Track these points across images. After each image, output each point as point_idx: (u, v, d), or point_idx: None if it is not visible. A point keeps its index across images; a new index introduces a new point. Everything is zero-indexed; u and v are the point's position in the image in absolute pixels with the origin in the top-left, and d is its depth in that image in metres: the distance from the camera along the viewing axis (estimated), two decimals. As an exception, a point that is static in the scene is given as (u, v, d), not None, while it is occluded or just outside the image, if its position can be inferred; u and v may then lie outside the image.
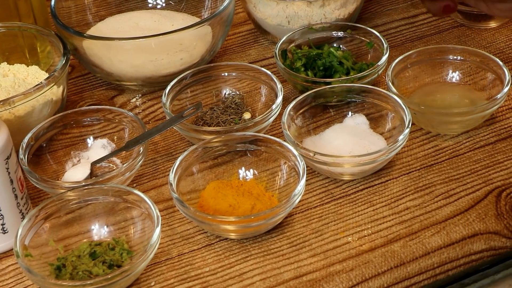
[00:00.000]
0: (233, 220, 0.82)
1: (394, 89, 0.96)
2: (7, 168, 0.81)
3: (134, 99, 1.07)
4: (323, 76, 1.02)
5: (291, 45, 1.07)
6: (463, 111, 0.95)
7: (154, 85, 1.07)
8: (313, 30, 1.08)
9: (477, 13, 1.13)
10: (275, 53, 1.03)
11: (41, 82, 0.94)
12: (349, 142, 0.94)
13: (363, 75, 0.98)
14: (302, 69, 1.02)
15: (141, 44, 1.02)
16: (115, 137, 0.97)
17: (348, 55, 1.04)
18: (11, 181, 0.82)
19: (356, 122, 0.97)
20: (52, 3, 1.09)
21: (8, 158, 0.81)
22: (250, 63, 1.10)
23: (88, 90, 1.09)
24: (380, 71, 1.00)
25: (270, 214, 0.82)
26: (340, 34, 1.09)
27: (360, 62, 1.04)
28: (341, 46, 1.08)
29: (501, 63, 0.99)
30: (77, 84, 1.10)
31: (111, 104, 1.06)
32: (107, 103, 1.06)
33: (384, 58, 1.00)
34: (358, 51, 1.08)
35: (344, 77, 0.99)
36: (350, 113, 0.98)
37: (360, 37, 1.07)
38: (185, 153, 0.88)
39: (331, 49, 1.03)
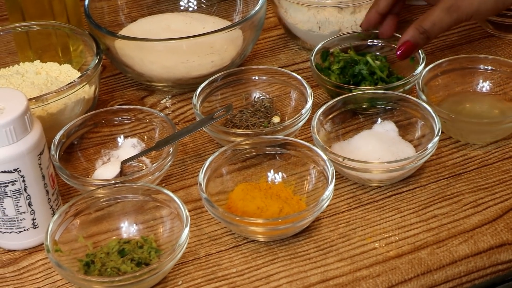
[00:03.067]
0: (261, 222, 0.82)
1: (424, 97, 0.96)
2: (40, 164, 0.82)
3: (164, 100, 1.08)
4: (352, 83, 1.02)
5: (336, 48, 1.07)
6: (493, 121, 0.95)
7: (184, 87, 1.08)
8: (361, 36, 1.08)
9: (508, 24, 1.13)
10: (312, 55, 1.03)
11: (74, 81, 0.95)
12: (378, 148, 0.94)
13: (388, 87, 0.98)
14: (338, 72, 1.02)
15: (172, 46, 1.02)
16: (145, 137, 0.97)
17: (385, 66, 1.03)
18: (43, 177, 0.83)
19: (385, 129, 0.97)
20: (86, 3, 1.10)
21: (41, 154, 0.82)
22: (279, 67, 1.10)
23: (119, 90, 1.10)
24: (408, 87, 1.00)
25: (298, 218, 0.82)
26: (376, 42, 1.08)
27: (396, 75, 1.03)
28: (378, 54, 1.07)
29: (532, 74, 0.99)
30: (108, 84, 1.11)
31: (141, 105, 1.07)
32: (137, 103, 1.07)
33: (418, 70, 1.00)
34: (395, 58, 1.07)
35: (367, 88, 0.99)
36: (379, 119, 0.98)
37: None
38: (215, 154, 0.89)
39: (368, 58, 1.03)
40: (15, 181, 0.81)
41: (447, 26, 0.97)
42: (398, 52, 0.98)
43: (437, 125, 0.92)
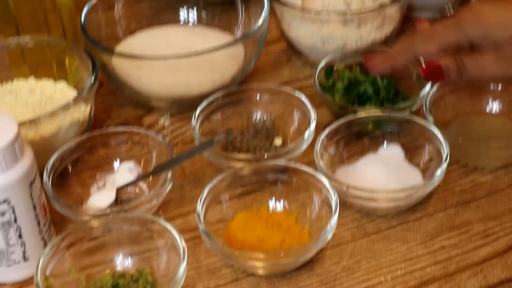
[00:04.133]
0: (262, 256, 0.79)
1: (431, 119, 0.92)
2: (31, 194, 0.79)
3: (162, 120, 1.04)
4: (357, 102, 0.98)
5: (340, 63, 1.03)
6: (503, 145, 0.91)
7: (183, 106, 1.05)
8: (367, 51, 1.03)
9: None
10: (315, 73, 1.00)
11: (68, 103, 0.92)
12: (383, 174, 0.90)
13: (394, 108, 0.95)
14: (342, 91, 0.99)
15: (171, 63, 0.99)
16: (142, 160, 0.94)
17: (391, 85, 0.99)
18: (34, 207, 0.80)
19: (391, 152, 0.93)
20: (83, 15, 1.07)
21: (32, 183, 0.79)
22: (282, 83, 1.07)
23: (116, 109, 1.06)
24: (414, 107, 0.96)
25: (300, 252, 0.79)
26: None
27: (402, 94, 0.99)
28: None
29: (544, 94, 0.95)
30: (105, 102, 1.08)
31: (139, 124, 1.03)
32: (134, 122, 1.04)
33: (425, 90, 0.96)
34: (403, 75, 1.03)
35: (373, 108, 0.95)
36: (385, 142, 0.94)
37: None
38: (214, 182, 0.86)
39: (376, 77, 0.99)
40: (4, 212, 0.78)
41: (490, 74, 0.83)
42: (422, 71, 0.86)
43: (445, 150, 0.88)
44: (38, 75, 1.05)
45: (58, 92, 1.01)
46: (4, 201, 0.77)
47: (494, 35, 0.82)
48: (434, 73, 0.85)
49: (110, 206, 0.88)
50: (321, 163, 0.88)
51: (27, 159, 0.79)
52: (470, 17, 0.83)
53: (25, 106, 0.96)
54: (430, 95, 0.96)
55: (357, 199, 0.86)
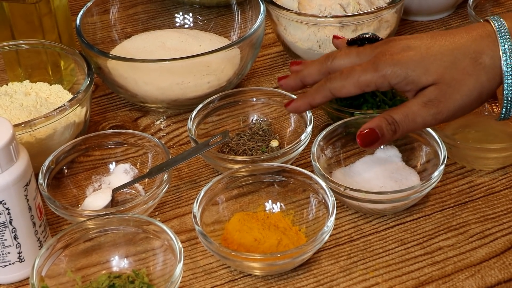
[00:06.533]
0: (259, 257, 0.79)
1: (428, 121, 0.92)
2: (26, 195, 0.79)
3: (158, 122, 1.04)
4: (352, 106, 0.98)
5: None
6: (501, 147, 0.91)
7: (179, 108, 1.04)
8: None
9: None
10: None
11: (63, 104, 0.91)
12: (380, 175, 0.90)
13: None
14: None
15: (167, 66, 0.98)
16: (137, 163, 0.93)
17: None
18: (30, 209, 0.79)
19: (388, 154, 0.93)
20: (78, 20, 1.06)
21: (27, 185, 0.78)
22: (278, 87, 1.07)
23: (112, 111, 1.06)
24: None
25: (297, 253, 0.78)
26: None
27: (399, 97, 0.99)
28: None
29: (541, 97, 0.95)
30: (100, 104, 1.07)
31: (134, 126, 1.03)
32: (130, 125, 1.03)
33: None
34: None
35: (369, 111, 0.95)
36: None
37: None
38: (210, 183, 0.85)
39: None
40: (0, 214, 0.77)
41: (421, 122, 0.81)
42: (358, 140, 0.83)
43: (443, 152, 0.88)
44: (33, 78, 1.04)
45: (53, 94, 1.01)
46: (0, 202, 0.77)
47: (413, 78, 0.81)
48: (369, 138, 0.82)
49: (106, 207, 0.87)
50: (318, 165, 0.87)
51: (22, 161, 0.78)
52: (387, 59, 0.82)
53: (20, 108, 0.96)
54: (426, 97, 0.95)
55: (354, 201, 0.86)
